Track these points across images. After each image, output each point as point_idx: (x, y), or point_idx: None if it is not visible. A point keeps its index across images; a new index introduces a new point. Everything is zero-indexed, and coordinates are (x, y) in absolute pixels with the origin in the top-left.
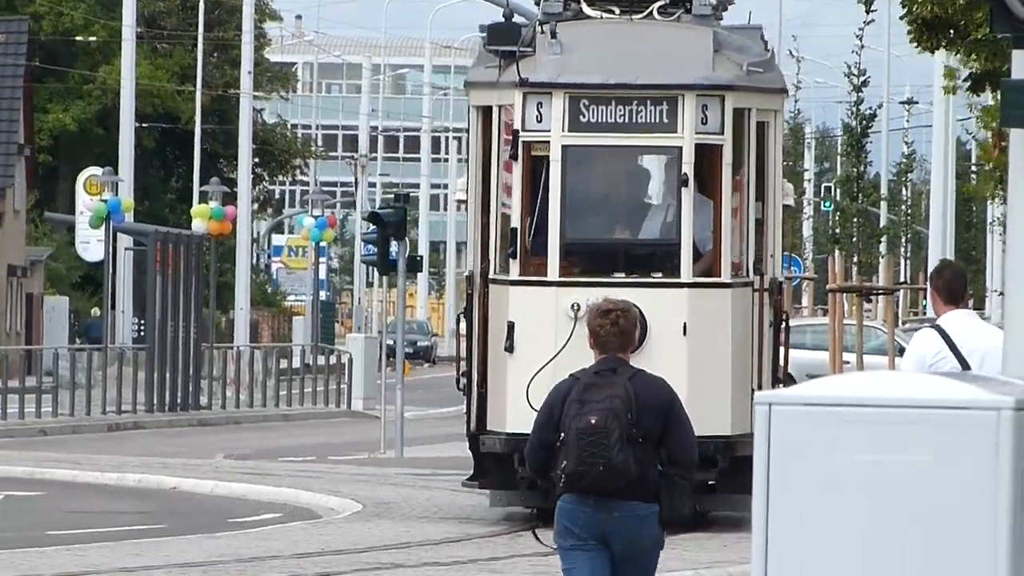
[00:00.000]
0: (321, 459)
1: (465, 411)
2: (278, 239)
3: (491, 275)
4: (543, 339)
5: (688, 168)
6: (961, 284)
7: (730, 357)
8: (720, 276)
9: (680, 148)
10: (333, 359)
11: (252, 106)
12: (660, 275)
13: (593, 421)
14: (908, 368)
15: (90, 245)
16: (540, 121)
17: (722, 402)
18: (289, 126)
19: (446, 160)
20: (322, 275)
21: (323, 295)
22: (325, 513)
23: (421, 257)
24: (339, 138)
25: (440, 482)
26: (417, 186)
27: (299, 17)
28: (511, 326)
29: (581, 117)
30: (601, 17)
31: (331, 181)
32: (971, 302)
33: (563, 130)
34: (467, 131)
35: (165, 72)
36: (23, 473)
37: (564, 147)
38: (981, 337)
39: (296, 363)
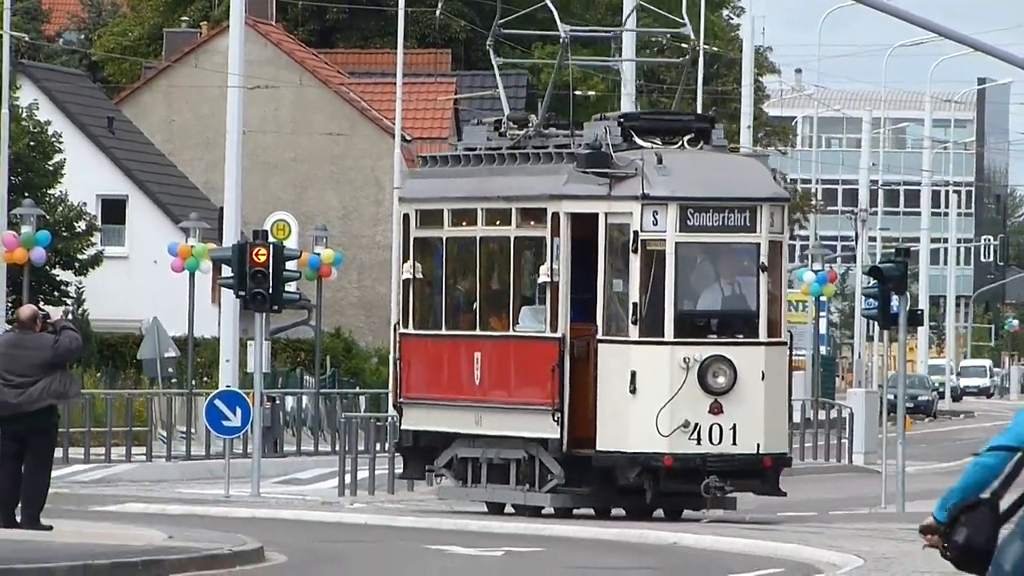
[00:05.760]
0: (821, 514)
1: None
2: None
3: (600, 336)
4: (660, 384)
5: (764, 259)
6: None
7: (785, 395)
8: (780, 336)
9: (759, 244)
10: (834, 413)
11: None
12: (742, 336)
13: None
14: None
15: None
16: (656, 224)
17: (782, 427)
18: (788, 180)
19: (946, 214)
20: (822, 329)
21: (823, 349)
22: (826, 568)
23: (921, 311)
24: (839, 192)
25: None
26: (917, 240)
27: (799, 71)
28: (634, 374)
29: (688, 221)
30: (651, 147)
31: (831, 235)
32: None
33: (675, 231)
34: (554, 233)
35: None
36: (524, 529)
37: (676, 243)
38: None
39: (796, 417)
